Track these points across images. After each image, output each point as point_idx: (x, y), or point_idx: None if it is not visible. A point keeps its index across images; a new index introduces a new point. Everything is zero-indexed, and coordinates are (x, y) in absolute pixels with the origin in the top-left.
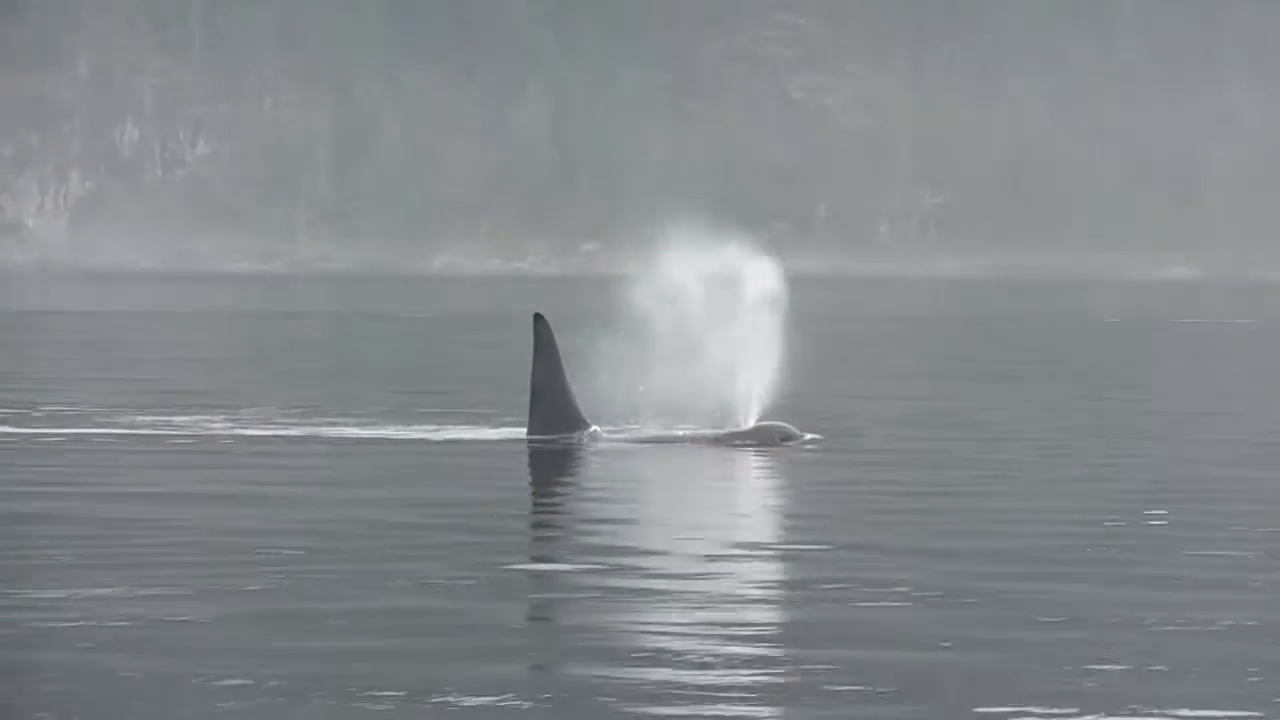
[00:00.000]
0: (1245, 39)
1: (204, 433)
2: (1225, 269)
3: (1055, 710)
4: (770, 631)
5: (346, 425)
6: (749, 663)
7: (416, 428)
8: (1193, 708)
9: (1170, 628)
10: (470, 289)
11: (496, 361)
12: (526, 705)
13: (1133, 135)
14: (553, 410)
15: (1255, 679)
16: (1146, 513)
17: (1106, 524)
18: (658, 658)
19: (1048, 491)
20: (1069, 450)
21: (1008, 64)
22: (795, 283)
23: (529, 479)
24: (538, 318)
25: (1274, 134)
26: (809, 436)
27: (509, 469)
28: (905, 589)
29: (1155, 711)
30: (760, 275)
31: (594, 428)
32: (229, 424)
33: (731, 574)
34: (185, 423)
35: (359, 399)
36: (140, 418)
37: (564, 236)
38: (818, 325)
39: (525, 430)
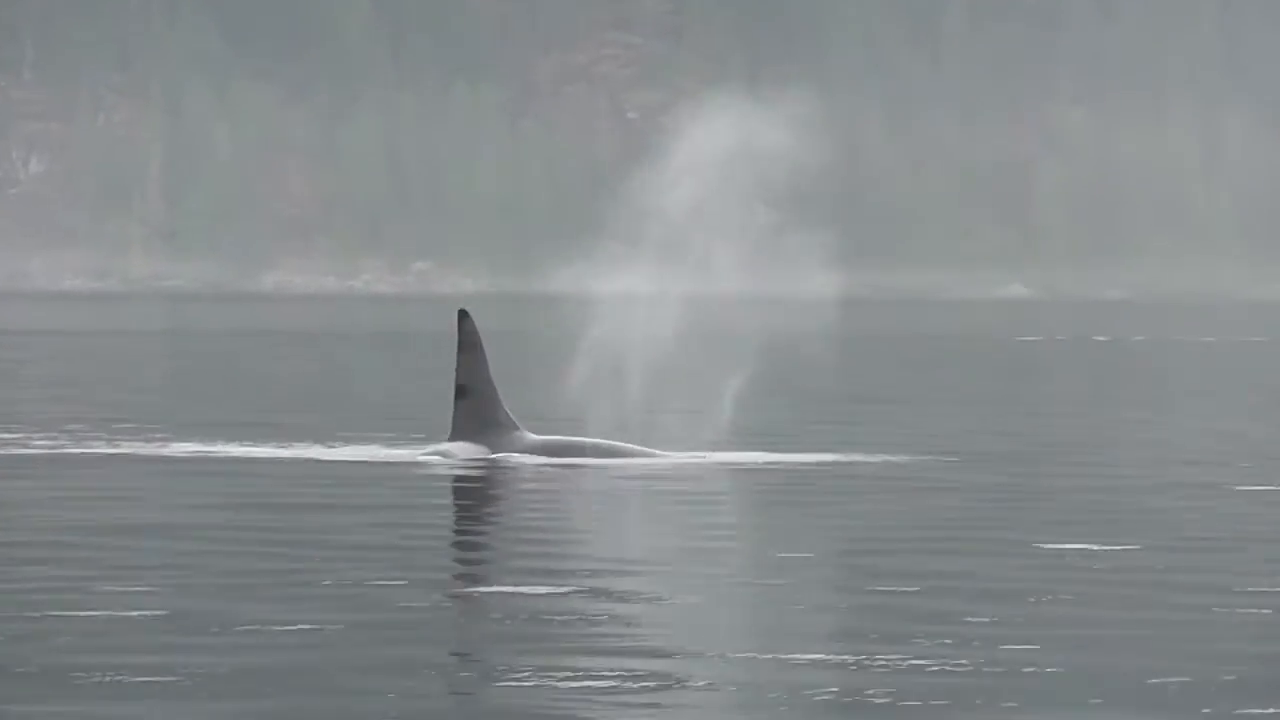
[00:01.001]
0: (1075, 57)
1: (15, 452)
2: (1060, 287)
3: None
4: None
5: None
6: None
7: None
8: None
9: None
10: (302, 307)
11: (322, 379)
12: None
13: (965, 153)
14: (478, 409)
15: None
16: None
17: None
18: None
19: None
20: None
21: (841, 82)
22: (620, 302)
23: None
24: (463, 314)
25: (1105, 151)
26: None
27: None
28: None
29: None
30: None
31: (519, 431)
32: (50, 441)
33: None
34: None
35: (189, 415)
36: None
37: (397, 255)
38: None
39: (449, 431)
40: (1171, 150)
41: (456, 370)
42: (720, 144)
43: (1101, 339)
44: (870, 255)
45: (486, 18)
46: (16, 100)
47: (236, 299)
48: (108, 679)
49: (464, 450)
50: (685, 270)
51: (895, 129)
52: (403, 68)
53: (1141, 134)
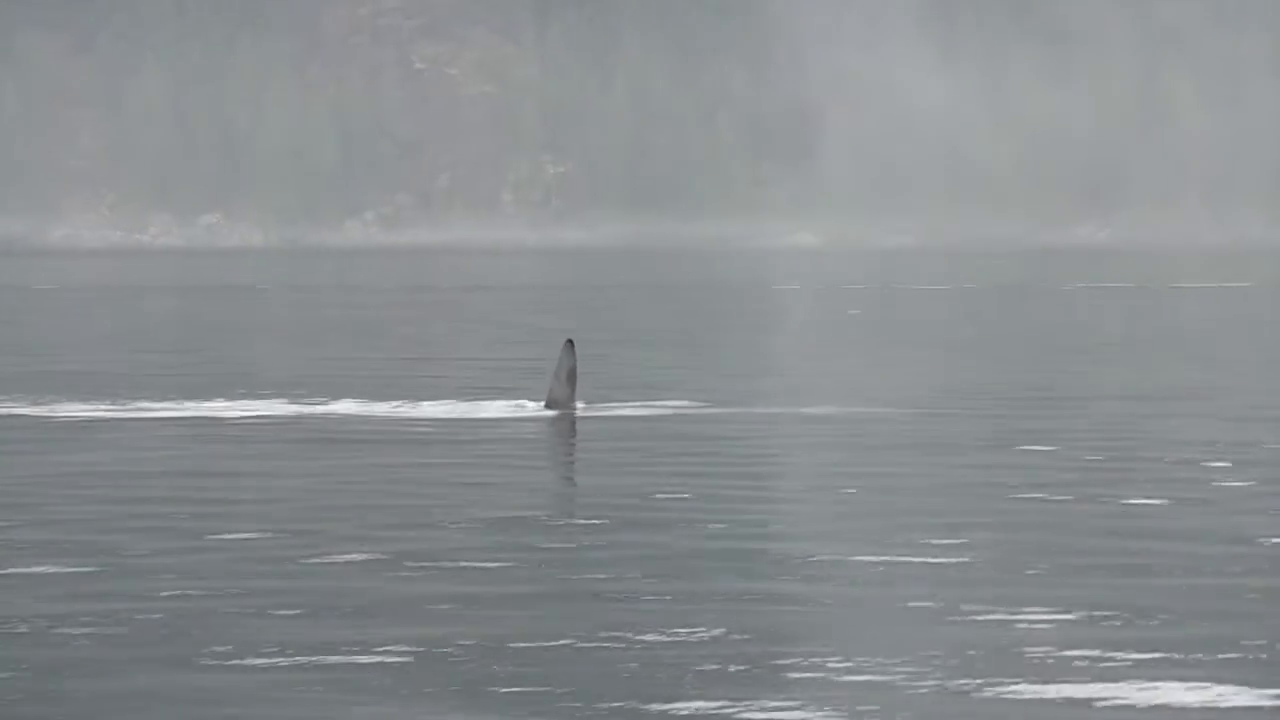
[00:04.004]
0: (865, 5)
1: None
2: (845, 235)
3: None
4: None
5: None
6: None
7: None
8: None
9: None
10: (92, 261)
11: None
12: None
13: (753, 101)
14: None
15: None
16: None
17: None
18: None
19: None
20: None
21: (628, 31)
22: (418, 254)
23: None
24: (569, 344)
25: (893, 97)
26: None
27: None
28: None
29: None
30: None
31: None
32: None
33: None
34: None
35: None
36: None
37: (185, 208)
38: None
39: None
40: (957, 97)
41: (551, 389)
42: (508, 95)
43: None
44: (660, 205)
45: None
46: None
47: (26, 254)
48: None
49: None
50: (478, 220)
51: (682, 78)
52: (188, 20)
53: (926, 82)
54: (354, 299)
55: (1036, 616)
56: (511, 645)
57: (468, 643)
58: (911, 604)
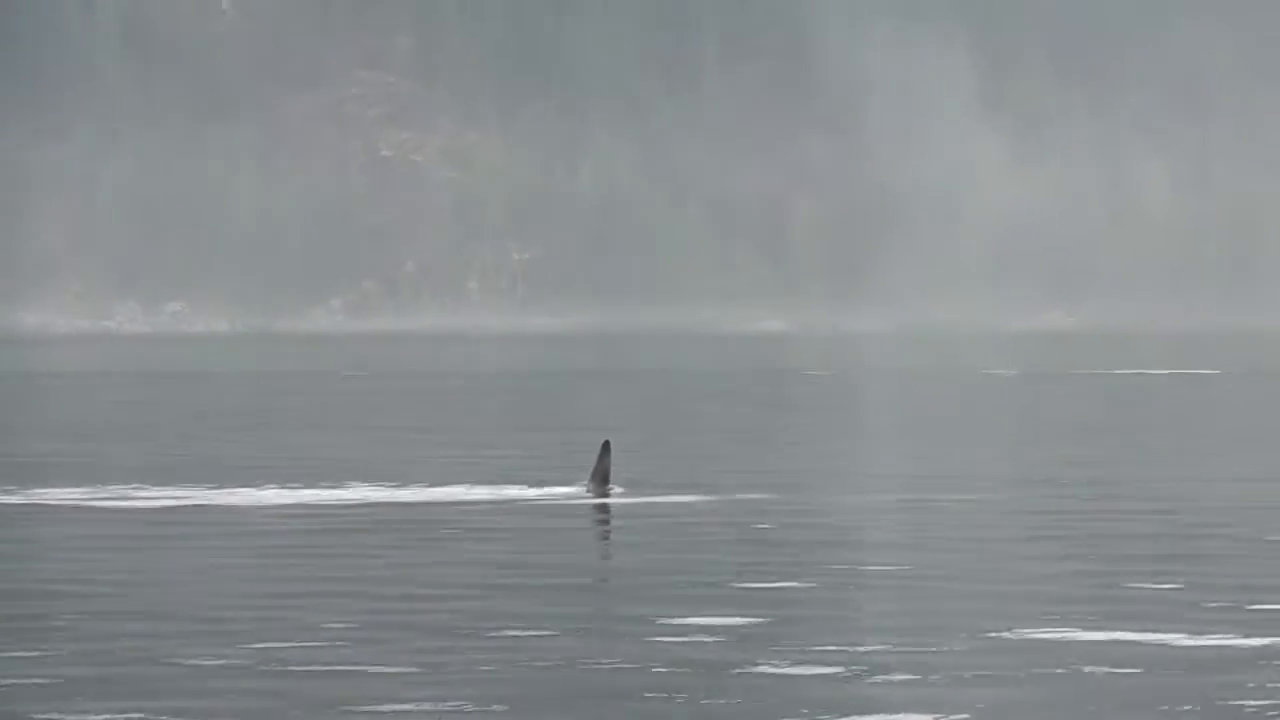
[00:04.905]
0: (825, 94)
1: None
2: (812, 321)
3: None
4: None
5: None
6: None
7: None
8: None
9: None
10: (59, 349)
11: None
12: None
13: (719, 190)
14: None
15: None
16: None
17: None
18: None
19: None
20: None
21: (595, 121)
22: (383, 341)
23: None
24: (606, 445)
25: (855, 187)
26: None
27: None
28: None
29: None
30: None
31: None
32: None
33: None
34: None
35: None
36: None
37: (151, 296)
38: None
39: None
40: (924, 183)
41: (590, 479)
42: (474, 182)
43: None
44: (628, 290)
45: (238, 57)
46: None
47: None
48: None
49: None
50: (444, 306)
51: (649, 166)
52: (155, 108)
53: (895, 166)
54: (321, 385)
55: None
56: None
57: None
58: None
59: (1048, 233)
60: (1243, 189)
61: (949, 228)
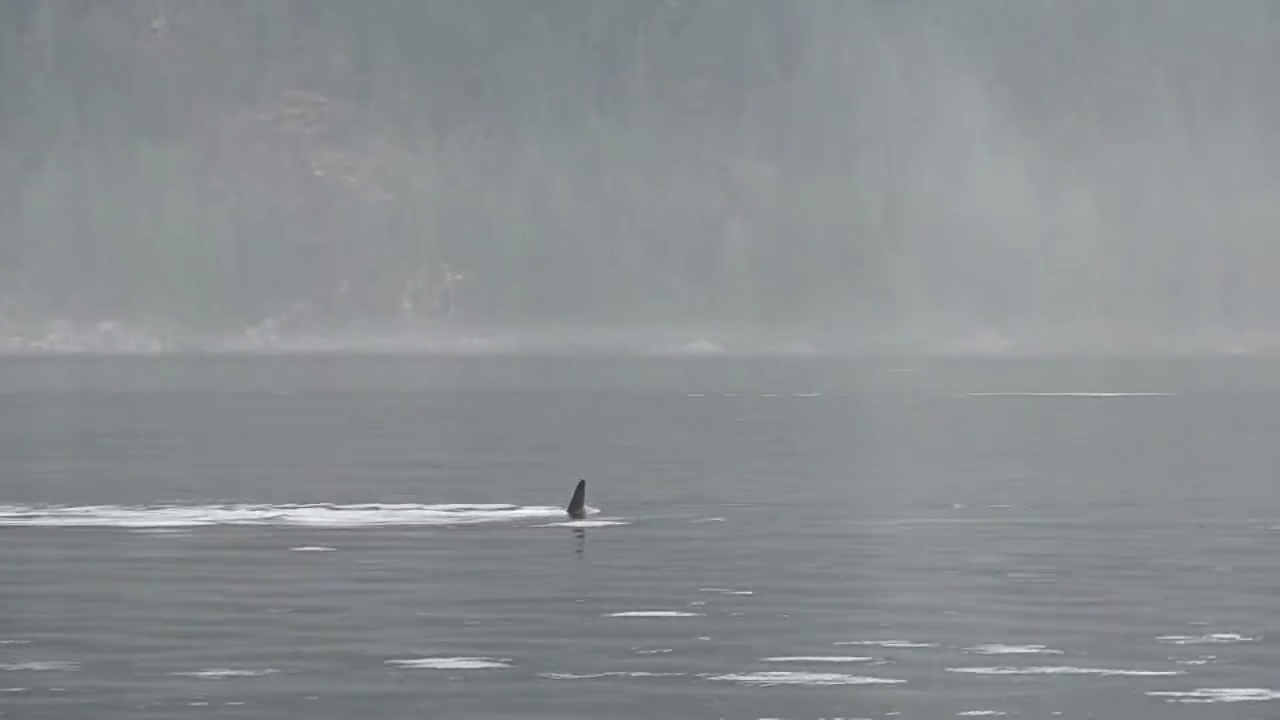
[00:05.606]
0: (761, 116)
1: None
2: (745, 343)
3: None
4: None
5: None
6: None
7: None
8: None
9: None
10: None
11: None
12: None
13: (652, 212)
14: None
15: None
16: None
17: None
18: None
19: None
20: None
21: (528, 142)
22: (316, 361)
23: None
24: (581, 484)
25: (787, 210)
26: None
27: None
28: None
29: None
30: None
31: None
32: None
33: None
34: None
35: None
36: None
37: (83, 315)
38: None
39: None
40: (857, 207)
41: (569, 511)
42: (407, 203)
43: (772, 396)
44: (561, 311)
45: (171, 76)
46: None
47: None
48: None
49: None
50: (377, 327)
51: (582, 187)
52: (88, 126)
53: (827, 191)
54: (257, 405)
55: None
56: None
57: None
58: None
59: (982, 255)
60: (1176, 213)
61: (882, 250)
